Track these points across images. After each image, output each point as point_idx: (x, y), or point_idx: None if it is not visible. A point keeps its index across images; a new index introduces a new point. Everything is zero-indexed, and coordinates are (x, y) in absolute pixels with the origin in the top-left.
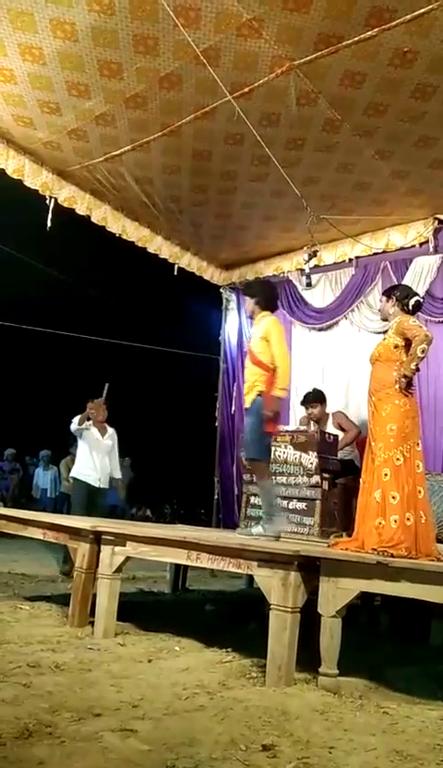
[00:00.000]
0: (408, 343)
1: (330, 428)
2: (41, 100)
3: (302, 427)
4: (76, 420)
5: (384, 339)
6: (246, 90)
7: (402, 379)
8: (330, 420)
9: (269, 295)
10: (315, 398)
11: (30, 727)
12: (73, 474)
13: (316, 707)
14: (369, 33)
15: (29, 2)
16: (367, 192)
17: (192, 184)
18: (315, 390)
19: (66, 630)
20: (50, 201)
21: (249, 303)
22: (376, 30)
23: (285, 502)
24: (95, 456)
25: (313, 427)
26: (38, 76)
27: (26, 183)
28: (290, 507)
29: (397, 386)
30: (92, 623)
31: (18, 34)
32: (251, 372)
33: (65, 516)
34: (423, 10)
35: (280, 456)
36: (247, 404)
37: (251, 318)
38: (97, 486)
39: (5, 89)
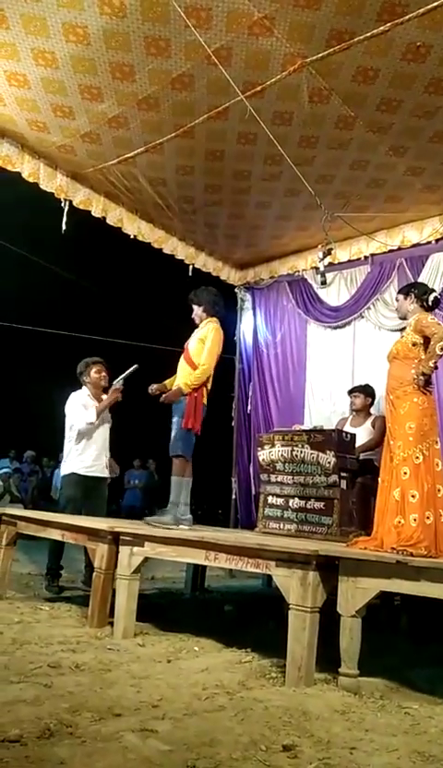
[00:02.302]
0: (426, 341)
1: (367, 425)
2: (55, 104)
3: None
4: (93, 415)
5: (402, 336)
6: (259, 88)
7: (421, 377)
8: (371, 419)
9: (213, 302)
10: (357, 388)
11: (52, 727)
12: (77, 470)
13: (336, 707)
14: (381, 28)
15: (41, 6)
16: (382, 189)
17: (205, 184)
18: (366, 383)
19: (86, 631)
20: (65, 204)
21: (196, 309)
22: (388, 24)
23: (303, 502)
24: (102, 445)
25: (350, 418)
26: (51, 80)
27: (41, 186)
28: (308, 506)
29: (415, 384)
30: (112, 623)
31: (31, 39)
32: (182, 370)
33: (84, 517)
34: (435, 4)
35: (297, 455)
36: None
37: (198, 323)
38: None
39: (19, 93)
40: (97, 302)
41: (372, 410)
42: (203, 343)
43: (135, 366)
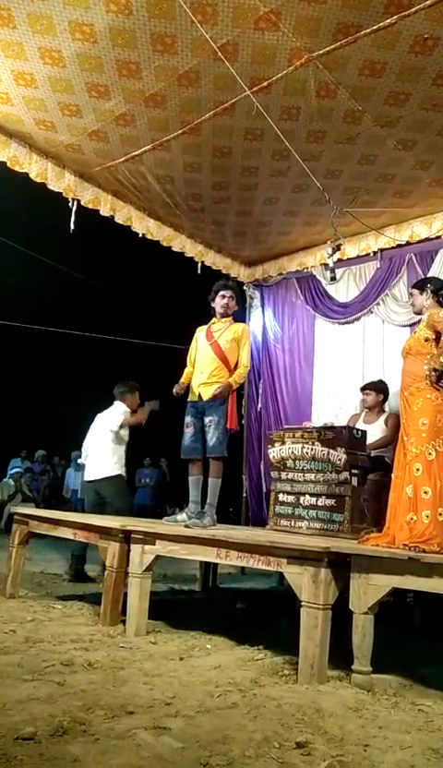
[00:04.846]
0: (439, 336)
1: (380, 422)
2: (62, 102)
3: (357, 412)
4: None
5: (415, 332)
6: (265, 84)
7: (433, 373)
8: (384, 417)
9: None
10: (369, 386)
11: (65, 725)
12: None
13: (349, 704)
14: (388, 21)
15: (47, 5)
16: (391, 183)
17: (213, 181)
18: (379, 379)
19: (99, 629)
20: (73, 204)
21: (231, 303)
22: (395, 17)
23: (314, 499)
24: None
25: (363, 414)
26: (58, 79)
27: (49, 186)
28: (319, 504)
29: (428, 380)
30: (124, 622)
31: (38, 38)
32: (211, 365)
33: (95, 516)
34: None
35: (307, 453)
36: (206, 397)
37: (223, 316)
38: None
39: (27, 93)
40: (107, 301)
41: (385, 407)
42: (238, 344)
43: (157, 401)
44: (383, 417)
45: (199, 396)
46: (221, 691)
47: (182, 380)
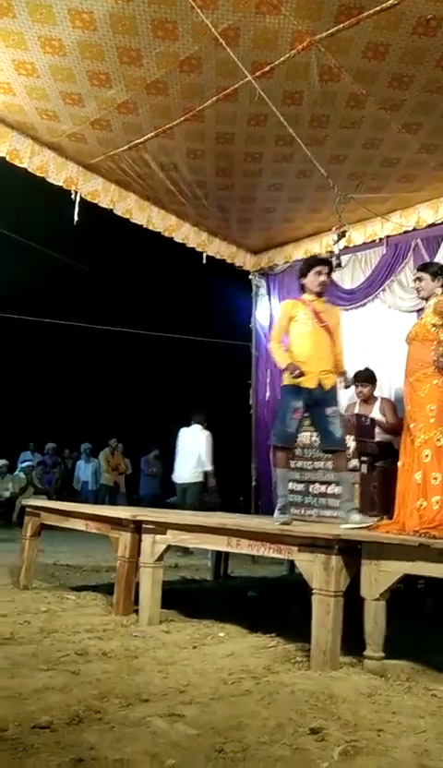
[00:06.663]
0: None
1: (376, 411)
2: (64, 91)
3: (351, 402)
4: None
5: (421, 318)
6: (267, 68)
7: (441, 359)
8: (378, 403)
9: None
10: (365, 377)
11: (80, 714)
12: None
13: (362, 690)
14: (391, 2)
15: None
16: (396, 168)
17: (217, 168)
18: (366, 369)
19: (112, 619)
20: (75, 196)
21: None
22: None
23: (324, 487)
24: None
25: (358, 407)
26: (59, 67)
27: (49, 180)
28: (328, 492)
29: (435, 366)
30: (137, 611)
31: (38, 27)
32: (327, 349)
33: (106, 507)
34: None
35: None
36: (329, 386)
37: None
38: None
39: (28, 82)
40: (111, 293)
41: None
42: (340, 332)
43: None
44: (377, 405)
45: (319, 384)
46: (235, 679)
47: (291, 362)
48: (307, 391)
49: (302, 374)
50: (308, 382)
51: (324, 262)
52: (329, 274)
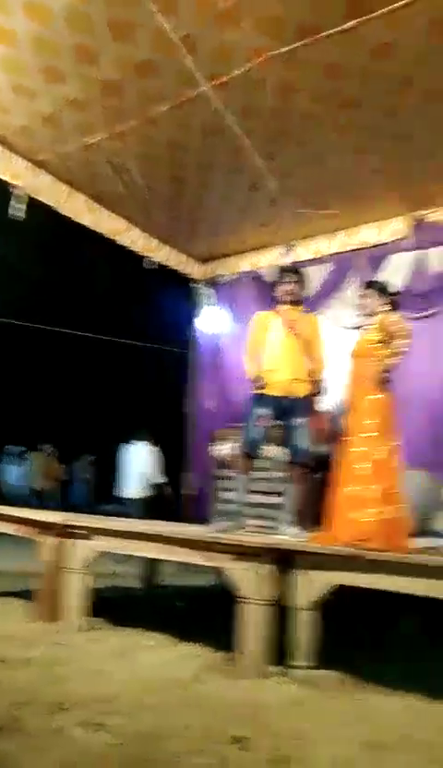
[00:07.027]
0: (388, 339)
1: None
2: (16, 84)
3: None
4: None
5: (364, 334)
6: (225, 79)
7: (381, 375)
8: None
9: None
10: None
11: None
12: None
13: (289, 699)
14: (349, 24)
15: None
16: (345, 187)
17: (169, 175)
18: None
19: (37, 626)
20: (23, 193)
21: (297, 289)
22: (355, 21)
23: (258, 496)
24: None
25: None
26: (11, 59)
27: None
28: (263, 501)
29: (376, 381)
30: (63, 619)
31: None
32: (297, 361)
33: (37, 511)
34: (399, 3)
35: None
36: (300, 395)
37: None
38: None
39: None
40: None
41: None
42: (314, 337)
43: None
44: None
45: (289, 392)
46: (162, 687)
47: (258, 373)
48: (275, 400)
49: (263, 386)
50: (275, 390)
51: (288, 270)
52: (296, 283)
